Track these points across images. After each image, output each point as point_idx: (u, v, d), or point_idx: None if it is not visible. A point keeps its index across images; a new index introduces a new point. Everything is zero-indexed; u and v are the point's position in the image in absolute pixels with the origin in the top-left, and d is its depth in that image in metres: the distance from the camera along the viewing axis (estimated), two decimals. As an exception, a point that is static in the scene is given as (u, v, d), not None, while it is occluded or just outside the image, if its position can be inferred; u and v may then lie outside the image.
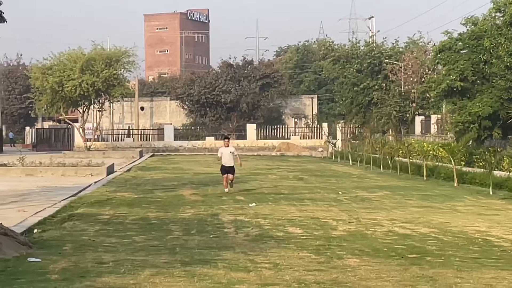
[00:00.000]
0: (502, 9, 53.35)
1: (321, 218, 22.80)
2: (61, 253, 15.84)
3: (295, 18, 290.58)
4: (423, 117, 76.75)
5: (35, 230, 19.44)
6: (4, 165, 46.86)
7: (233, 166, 32.53)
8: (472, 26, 55.78)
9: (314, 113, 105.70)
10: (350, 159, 62.51)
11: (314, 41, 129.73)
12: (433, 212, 24.78)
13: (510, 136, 45.82)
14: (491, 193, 31.65)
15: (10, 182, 37.10)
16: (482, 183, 34.72)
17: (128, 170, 49.66)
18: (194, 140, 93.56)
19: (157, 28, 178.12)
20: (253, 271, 13.95)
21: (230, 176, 32.12)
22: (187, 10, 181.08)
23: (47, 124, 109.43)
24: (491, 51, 49.51)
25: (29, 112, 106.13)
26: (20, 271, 13.70)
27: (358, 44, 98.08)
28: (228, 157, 32.36)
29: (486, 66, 50.23)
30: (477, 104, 47.97)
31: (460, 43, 55.45)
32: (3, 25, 24.41)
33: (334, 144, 79.30)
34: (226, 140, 34.00)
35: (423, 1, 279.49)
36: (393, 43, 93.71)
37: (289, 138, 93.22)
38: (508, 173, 33.09)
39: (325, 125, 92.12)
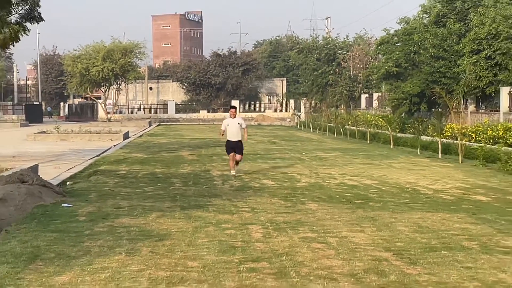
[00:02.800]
0: (428, 11, 53.49)
1: (288, 173, 22.84)
2: (88, 200, 15.84)
3: (270, 18, 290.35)
4: (367, 95, 76.63)
5: (68, 183, 19.43)
6: (44, 132, 46.69)
7: (240, 140, 22.35)
8: (405, 25, 56.05)
9: (283, 92, 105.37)
10: (311, 127, 62.58)
11: (284, 36, 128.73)
12: (374, 168, 24.85)
13: (433, 109, 45.89)
14: (419, 153, 31.77)
15: (48, 146, 36.97)
16: (412, 145, 34.86)
17: (140, 136, 49.51)
18: (191, 113, 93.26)
19: (162, 26, 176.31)
20: (235, 214, 14.04)
21: (238, 156, 21.99)
22: (185, 12, 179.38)
23: (77, 101, 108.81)
24: (419, 44, 49.62)
25: (63, 91, 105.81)
26: (56, 214, 13.70)
27: (317, 39, 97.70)
28: (235, 130, 22.21)
29: (415, 56, 50.31)
30: (408, 85, 48.06)
31: (395, 38, 55.60)
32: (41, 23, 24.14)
33: (299, 116, 79.46)
34: (233, 109, 23.18)
35: (368, 4, 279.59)
36: (344, 38, 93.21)
37: (264, 111, 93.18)
38: (432, 138, 33.20)
39: (292, 101, 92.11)
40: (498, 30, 41.64)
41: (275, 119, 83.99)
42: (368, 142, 41.54)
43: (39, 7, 22.71)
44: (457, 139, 29.41)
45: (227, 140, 22.16)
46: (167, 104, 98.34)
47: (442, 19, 50.48)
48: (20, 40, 22.41)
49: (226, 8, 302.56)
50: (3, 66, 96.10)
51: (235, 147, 21.87)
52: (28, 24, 22.64)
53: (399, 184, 19.49)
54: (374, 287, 8.50)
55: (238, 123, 22.17)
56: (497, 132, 30.82)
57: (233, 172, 21.67)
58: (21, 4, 22.33)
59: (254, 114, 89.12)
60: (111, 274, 9.05)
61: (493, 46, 41.96)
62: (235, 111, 22.96)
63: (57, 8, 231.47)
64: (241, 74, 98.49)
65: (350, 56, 79.95)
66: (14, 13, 22.30)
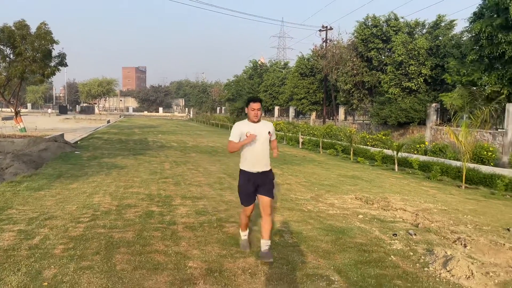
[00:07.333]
0: (246, 72, 53.29)
1: (183, 140, 22.32)
2: (87, 150, 14.77)
3: (178, 67, 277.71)
4: (219, 107, 76.49)
5: (78, 141, 18.01)
6: (67, 119, 42.82)
7: (270, 170, 2.98)
8: (236, 77, 55.50)
9: (183, 104, 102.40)
10: (195, 121, 61.31)
11: (184, 80, 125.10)
12: (221, 139, 24.56)
13: (246, 114, 46.44)
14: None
15: (69, 125, 33.80)
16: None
17: (114, 122, 46.47)
18: (139, 112, 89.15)
19: (127, 72, 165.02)
20: (157, 157, 13.54)
21: (265, 200, 2.81)
22: (138, 66, 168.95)
23: (84, 104, 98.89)
24: (242, 86, 49.66)
25: (77, 99, 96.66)
26: (71, 156, 12.69)
27: (199, 82, 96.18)
28: (262, 148, 2.99)
29: (240, 91, 50.15)
30: (237, 103, 48.03)
31: (232, 83, 54.80)
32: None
33: (189, 116, 77.65)
34: (256, 104, 3.56)
35: (226, 66, 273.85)
36: (210, 82, 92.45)
37: (174, 113, 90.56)
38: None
39: (187, 109, 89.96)
40: (274, 82, 42.82)
41: (179, 117, 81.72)
42: (219, 128, 41.54)
43: (65, 59, 20.84)
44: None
45: (243, 172, 3.38)
46: (128, 108, 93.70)
47: (252, 77, 51.10)
48: (55, 74, 20.41)
49: (157, 63, 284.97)
50: (48, 87, 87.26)
51: (259, 185, 3.15)
52: (60, 67, 20.68)
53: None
54: (217, 189, 8.56)
55: (269, 133, 3.67)
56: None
57: (244, 237, 3.78)
58: (56, 57, 20.42)
59: (169, 114, 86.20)
60: (97, 184, 8.55)
61: (273, 89, 43.08)
62: (260, 108, 3.87)
63: (74, 58, 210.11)
64: (164, 96, 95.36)
65: (212, 90, 79.41)
66: (53, 61, 20.34)
